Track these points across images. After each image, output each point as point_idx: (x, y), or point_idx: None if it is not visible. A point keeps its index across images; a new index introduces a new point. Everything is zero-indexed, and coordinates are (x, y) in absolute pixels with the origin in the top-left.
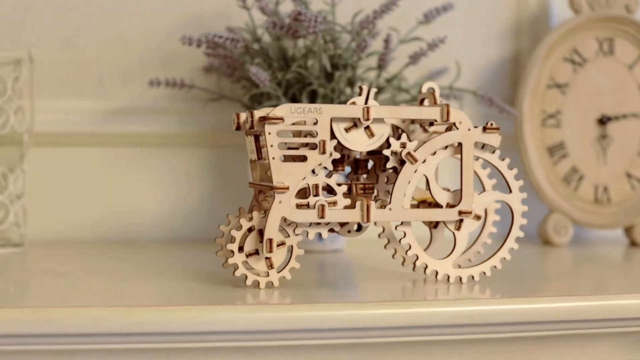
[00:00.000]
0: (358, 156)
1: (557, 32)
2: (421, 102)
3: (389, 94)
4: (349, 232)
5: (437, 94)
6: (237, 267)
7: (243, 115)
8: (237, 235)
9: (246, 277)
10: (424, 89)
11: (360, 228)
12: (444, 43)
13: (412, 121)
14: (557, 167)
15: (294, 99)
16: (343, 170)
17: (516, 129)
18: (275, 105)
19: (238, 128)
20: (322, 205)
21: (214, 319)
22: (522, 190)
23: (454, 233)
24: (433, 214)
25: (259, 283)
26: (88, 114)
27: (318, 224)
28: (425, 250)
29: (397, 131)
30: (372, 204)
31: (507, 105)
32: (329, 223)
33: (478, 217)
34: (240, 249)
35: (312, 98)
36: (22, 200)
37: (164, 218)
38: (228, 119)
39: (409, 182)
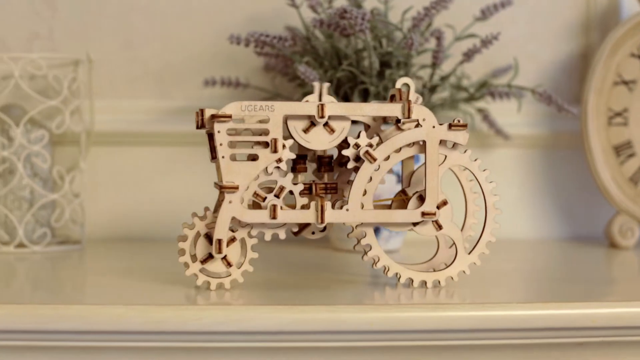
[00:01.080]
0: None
1: (623, 27)
2: (392, 98)
3: (447, 92)
4: (313, 233)
5: (412, 90)
6: (197, 277)
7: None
8: (185, 246)
9: (209, 284)
10: (398, 85)
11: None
12: (498, 40)
13: (385, 120)
14: (624, 167)
15: (346, 98)
16: (305, 170)
17: (581, 128)
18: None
19: (199, 126)
20: (274, 206)
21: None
22: (494, 193)
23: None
24: (393, 216)
25: (223, 285)
26: (147, 113)
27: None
28: (432, 258)
29: (367, 128)
30: (327, 204)
31: (573, 103)
32: (285, 224)
33: (439, 227)
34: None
35: (364, 97)
36: (80, 198)
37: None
38: None
39: (370, 181)
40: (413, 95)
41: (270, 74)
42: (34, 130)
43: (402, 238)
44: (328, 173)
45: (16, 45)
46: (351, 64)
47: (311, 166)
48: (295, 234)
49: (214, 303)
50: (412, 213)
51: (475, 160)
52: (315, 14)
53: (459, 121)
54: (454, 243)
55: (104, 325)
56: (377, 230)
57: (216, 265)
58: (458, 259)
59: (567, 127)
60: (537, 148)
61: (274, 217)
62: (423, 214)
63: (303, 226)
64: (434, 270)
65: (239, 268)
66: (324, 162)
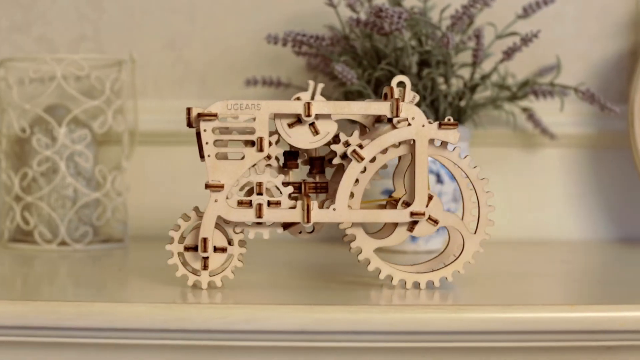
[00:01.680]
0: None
1: None
2: (385, 97)
3: (491, 91)
4: (300, 232)
5: (408, 88)
6: (172, 255)
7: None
8: (183, 225)
9: (177, 269)
10: (393, 83)
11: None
12: (538, 37)
13: (379, 119)
14: None
15: (386, 97)
16: (297, 167)
17: (628, 127)
18: None
19: (188, 125)
20: (260, 205)
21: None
22: (487, 189)
23: None
24: (381, 215)
25: (188, 279)
26: None
27: (259, 223)
28: (441, 254)
29: (364, 130)
30: (314, 204)
31: (622, 102)
32: (273, 223)
33: (435, 222)
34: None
35: None
36: (122, 197)
37: None
38: None
39: (357, 180)
40: (409, 94)
41: (312, 73)
42: (77, 130)
43: (443, 238)
44: (320, 173)
45: (64, 46)
46: (390, 63)
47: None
48: (284, 228)
49: (238, 302)
50: (400, 213)
51: (465, 157)
52: (354, 12)
53: (449, 119)
54: (458, 230)
55: (129, 322)
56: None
57: (195, 261)
58: (467, 245)
59: (614, 127)
60: (583, 147)
61: (259, 216)
62: (412, 213)
63: (289, 225)
64: (445, 265)
65: (210, 276)
66: (316, 163)
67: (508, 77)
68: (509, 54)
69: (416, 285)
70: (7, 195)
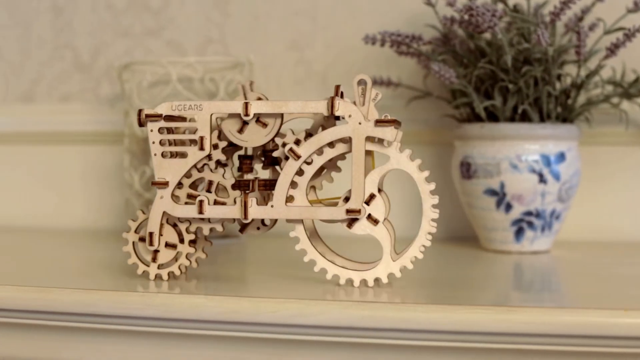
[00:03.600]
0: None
1: None
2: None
3: (601, 89)
4: (258, 228)
5: (368, 87)
6: (127, 243)
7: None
8: (141, 217)
9: (130, 256)
10: (355, 81)
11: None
12: None
13: (337, 117)
14: None
15: (487, 95)
16: (250, 170)
17: None
18: (467, 103)
19: (140, 125)
20: (201, 201)
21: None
22: (429, 181)
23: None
24: (318, 213)
25: (138, 267)
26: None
27: (203, 219)
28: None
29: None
30: (252, 200)
31: None
32: (220, 219)
33: (375, 222)
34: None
35: (505, 94)
36: None
37: None
38: (434, 117)
39: (301, 177)
40: (371, 93)
41: (423, 73)
42: None
43: (552, 239)
44: (273, 169)
45: (192, 49)
46: (491, 61)
47: None
48: (241, 230)
49: (291, 297)
50: (337, 210)
51: (403, 152)
52: (455, 12)
53: (386, 116)
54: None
55: (184, 313)
56: (520, 231)
57: (146, 252)
58: (382, 262)
59: None
60: None
61: (201, 212)
62: (347, 211)
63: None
64: (376, 265)
65: (158, 268)
66: (268, 158)
67: (620, 74)
68: (612, 50)
69: (363, 282)
70: (129, 191)
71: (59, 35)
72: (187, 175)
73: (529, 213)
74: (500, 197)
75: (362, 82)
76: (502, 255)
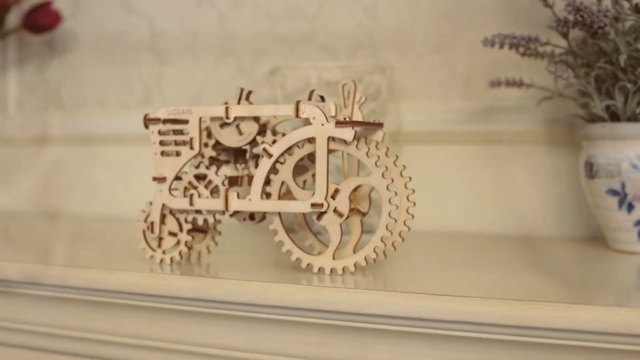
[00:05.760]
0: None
1: None
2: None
3: None
4: (245, 219)
5: (351, 90)
6: (138, 231)
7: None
8: (149, 208)
9: (140, 242)
10: (340, 86)
11: (256, 218)
12: None
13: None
14: None
15: (609, 95)
16: (245, 163)
17: None
18: (585, 103)
19: (146, 127)
20: (191, 195)
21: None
22: (385, 177)
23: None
24: (287, 206)
25: (146, 252)
26: (456, 113)
27: (196, 211)
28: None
29: None
30: (233, 194)
31: None
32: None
33: (340, 215)
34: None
35: (625, 93)
36: None
37: (520, 214)
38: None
39: (276, 175)
40: (355, 96)
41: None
42: None
43: None
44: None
45: (343, 53)
46: (611, 61)
47: None
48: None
49: (369, 288)
50: (302, 204)
51: (360, 150)
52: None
53: (345, 119)
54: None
55: (273, 300)
56: None
57: (168, 242)
58: (327, 252)
59: None
60: None
61: (191, 204)
62: (312, 205)
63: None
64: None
65: (163, 254)
66: (242, 157)
67: None
68: None
69: (333, 271)
70: None
71: (223, 42)
72: (186, 171)
73: None
74: (621, 197)
75: (346, 87)
76: (628, 255)
